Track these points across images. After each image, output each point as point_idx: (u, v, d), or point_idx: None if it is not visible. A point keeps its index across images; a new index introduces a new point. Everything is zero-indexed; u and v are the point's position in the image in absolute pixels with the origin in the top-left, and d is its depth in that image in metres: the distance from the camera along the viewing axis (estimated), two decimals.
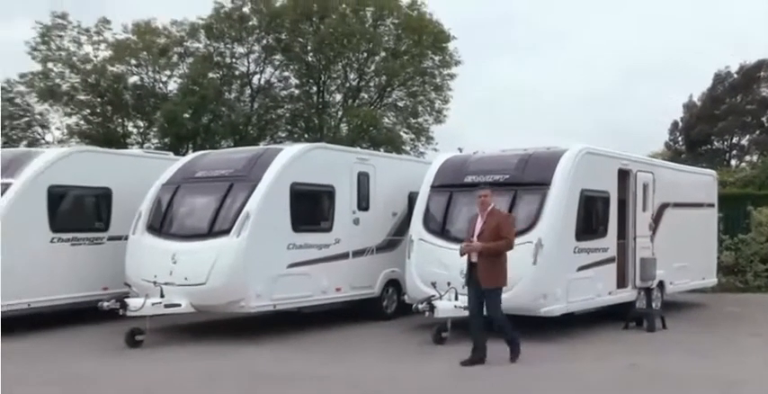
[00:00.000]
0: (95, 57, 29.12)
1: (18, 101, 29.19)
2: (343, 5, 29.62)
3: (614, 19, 60.16)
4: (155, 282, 9.77)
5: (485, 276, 8.26)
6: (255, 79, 30.41)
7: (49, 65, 28.78)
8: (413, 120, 31.71)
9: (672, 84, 53.83)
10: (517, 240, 9.56)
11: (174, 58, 29.54)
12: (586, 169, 10.63)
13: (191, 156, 12.20)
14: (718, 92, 37.80)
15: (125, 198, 11.50)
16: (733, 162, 37.45)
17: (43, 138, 30.04)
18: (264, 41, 29.57)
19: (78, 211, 11.51)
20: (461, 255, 8.59)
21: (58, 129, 30.07)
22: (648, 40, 56.53)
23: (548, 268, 9.86)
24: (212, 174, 10.78)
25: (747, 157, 37.87)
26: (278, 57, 30.05)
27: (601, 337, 10.51)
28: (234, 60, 29.89)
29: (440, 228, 10.71)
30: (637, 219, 11.81)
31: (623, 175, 11.60)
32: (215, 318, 11.43)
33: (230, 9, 29.05)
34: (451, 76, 30.83)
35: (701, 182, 14.81)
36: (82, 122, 29.84)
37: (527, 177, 10.47)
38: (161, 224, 10.56)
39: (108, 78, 28.73)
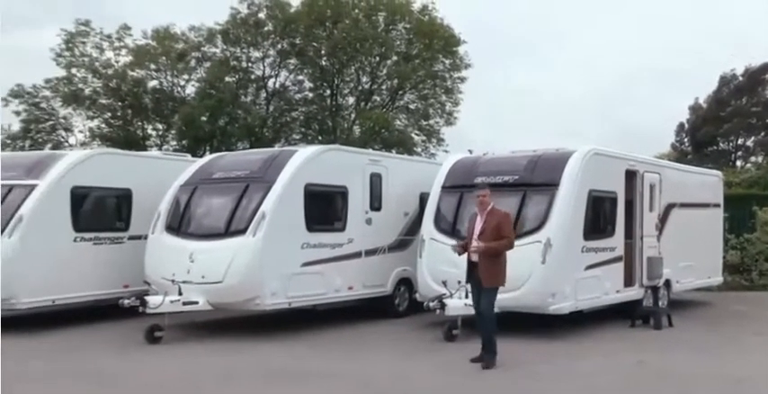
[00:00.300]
0: (116, 62, 29.69)
1: (43, 105, 29.83)
2: (356, 11, 29.88)
3: (614, 19, 60.06)
4: (173, 281, 9.94)
5: (486, 276, 8.23)
6: (270, 83, 30.75)
7: (73, 70, 29.42)
8: (424, 123, 31.86)
9: (673, 85, 53.60)
10: (526, 240, 9.80)
11: (192, 63, 29.96)
12: (594, 170, 10.74)
13: (208, 157, 12.39)
14: (723, 94, 37.63)
15: (145, 198, 11.69)
16: (738, 163, 37.25)
17: (66, 141, 30.56)
18: (279, 46, 29.84)
19: (100, 212, 11.73)
20: (459, 254, 8.61)
21: (80, 132, 30.65)
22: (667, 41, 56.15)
23: (556, 267, 9.98)
24: (229, 176, 10.94)
25: (753, 158, 37.69)
26: (292, 61, 30.31)
27: (608, 335, 10.60)
28: (250, 64, 30.21)
29: (450, 227, 10.81)
30: (644, 218, 11.92)
31: (630, 176, 11.71)
32: (231, 316, 11.59)
33: (246, 15, 29.35)
34: (462, 80, 31.04)
35: (707, 182, 14.86)
36: (103, 125, 30.36)
37: (536, 178, 10.59)
38: (179, 224, 10.73)
39: (128, 83, 29.24)
